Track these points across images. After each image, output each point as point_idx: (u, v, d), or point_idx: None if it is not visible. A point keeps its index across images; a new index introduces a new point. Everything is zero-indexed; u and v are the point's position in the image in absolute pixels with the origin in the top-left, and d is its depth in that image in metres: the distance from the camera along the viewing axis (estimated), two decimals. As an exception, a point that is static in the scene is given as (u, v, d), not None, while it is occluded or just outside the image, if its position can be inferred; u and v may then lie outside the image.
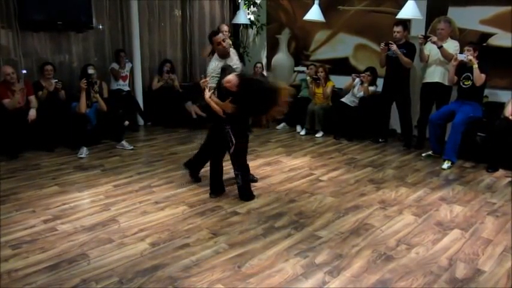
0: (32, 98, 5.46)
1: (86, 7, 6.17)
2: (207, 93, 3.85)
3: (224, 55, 4.06)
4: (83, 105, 5.42)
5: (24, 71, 5.86)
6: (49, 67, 5.72)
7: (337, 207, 3.82)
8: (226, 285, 2.61)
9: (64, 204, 3.83)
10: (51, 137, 5.53)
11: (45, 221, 3.47)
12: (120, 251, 3.01)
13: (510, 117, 4.92)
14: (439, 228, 3.43)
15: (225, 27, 6.30)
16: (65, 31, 6.23)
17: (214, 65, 4.04)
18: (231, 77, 3.56)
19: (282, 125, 7.13)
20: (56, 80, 5.68)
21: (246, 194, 3.99)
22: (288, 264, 2.85)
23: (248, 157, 5.20)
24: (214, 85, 3.96)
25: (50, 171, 4.75)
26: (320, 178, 4.63)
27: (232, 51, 4.18)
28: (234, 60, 4.12)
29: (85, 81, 5.42)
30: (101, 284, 2.60)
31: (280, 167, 5.02)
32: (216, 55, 4.13)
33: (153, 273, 2.73)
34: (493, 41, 5.51)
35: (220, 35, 4.12)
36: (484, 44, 5.48)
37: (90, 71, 5.63)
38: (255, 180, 4.44)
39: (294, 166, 5.04)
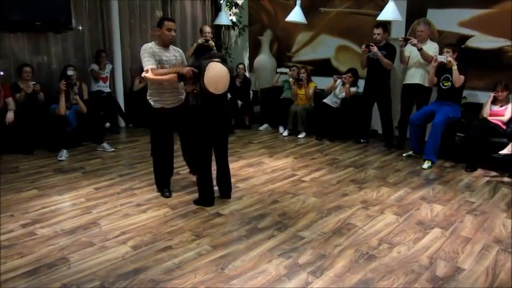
0: (10, 100, 5.36)
1: (65, 7, 6.06)
2: (149, 75, 3.75)
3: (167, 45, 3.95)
4: (62, 107, 5.34)
5: (2, 73, 5.74)
6: (27, 68, 5.62)
7: (319, 208, 3.84)
8: (209, 287, 2.59)
9: (43, 207, 3.76)
10: (30, 139, 5.43)
11: (24, 225, 3.40)
12: (102, 254, 2.97)
13: (488, 117, 5.02)
14: (420, 227, 3.47)
15: (207, 28, 6.30)
16: (43, 32, 6.12)
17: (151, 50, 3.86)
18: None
19: (264, 126, 7.14)
20: (34, 82, 5.58)
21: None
22: (271, 265, 2.85)
23: (230, 158, 5.21)
24: (154, 65, 3.82)
25: (29, 174, 4.66)
26: (302, 179, 4.65)
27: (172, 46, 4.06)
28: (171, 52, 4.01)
29: (64, 82, 5.34)
30: (81, 288, 2.57)
31: (263, 168, 5.02)
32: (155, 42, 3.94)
33: (135, 276, 2.70)
34: (471, 43, 5.61)
35: (172, 23, 3.93)
36: (463, 46, 5.58)
37: (70, 72, 5.55)
38: None
39: (276, 167, 5.05)
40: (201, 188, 3.87)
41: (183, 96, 4.12)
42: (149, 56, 3.80)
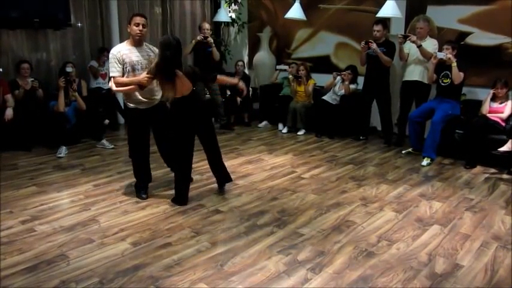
0: (9, 96, 5.35)
1: (64, 4, 6.04)
2: (112, 85, 3.63)
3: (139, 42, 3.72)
4: (61, 104, 5.33)
5: (0, 70, 5.73)
6: (25, 65, 5.61)
7: (319, 205, 3.84)
8: (209, 284, 2.59)
9: (42, 204, 3.76)
10: (28, 136, 5.43)
11: (23, 222, 3.40)
12: (101, 251, 2.97)
13: (487, 114, 5.02)
14: (419, 224, 3.48)
15: (206, 25, 6.29)
16: (42, 28, 6.11)
17: (119, 55, 3.65)
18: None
19: (263, 123, 7.14)
20: (32, 79, 5.58)
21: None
22: (270, 262, 2.85)
23: (230, 155, 5.24)
24: (118, 73, 3.64)
25: (28, 171, 4.66)
26: (302, 176, 4.65)
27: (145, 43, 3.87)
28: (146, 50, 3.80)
29: (63, 79, 5.33)
30: (81, 285, 2.56)
31: (262, 165, 5.02)
32: (126, 42, 3.77)
33: (134, 273, 2.70)
34: (470, 40, 5.60)
35: (139, 17, 3.68)
36: (462, 43, 5.57)
37: (68, 69, 5.54)
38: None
39: (275, 164, 5.05)
40: (177, 187, 3.83)
41: (159, 96, 3.86)
42: (115, 62, 3.62)
